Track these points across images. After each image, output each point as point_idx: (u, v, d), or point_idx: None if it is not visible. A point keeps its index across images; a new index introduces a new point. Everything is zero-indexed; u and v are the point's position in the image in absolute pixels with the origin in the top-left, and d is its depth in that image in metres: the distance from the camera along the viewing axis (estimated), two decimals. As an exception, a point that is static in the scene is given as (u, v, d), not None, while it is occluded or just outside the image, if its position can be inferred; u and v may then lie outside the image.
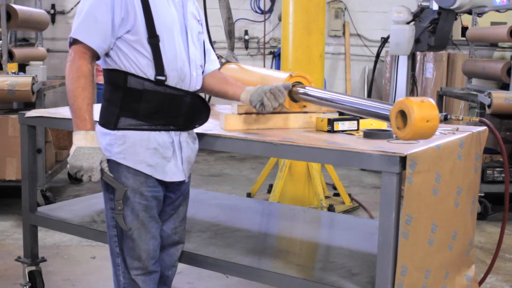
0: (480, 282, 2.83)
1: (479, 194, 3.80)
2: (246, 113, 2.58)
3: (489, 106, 4.77)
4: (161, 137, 2.31)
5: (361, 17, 8.40)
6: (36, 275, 3.22)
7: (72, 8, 7.83)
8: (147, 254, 2.37)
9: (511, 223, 4.60)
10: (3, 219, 4.69)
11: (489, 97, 4.75)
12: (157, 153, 2.30)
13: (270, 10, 8.27)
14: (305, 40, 4.95)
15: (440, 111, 2.73)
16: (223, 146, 2.54)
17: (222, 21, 3.83)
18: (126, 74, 2.26)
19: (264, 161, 6.15)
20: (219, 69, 2.69)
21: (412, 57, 6.21)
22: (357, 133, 2.53)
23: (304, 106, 2.63)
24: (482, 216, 4.84)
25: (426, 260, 2.28)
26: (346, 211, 5.10)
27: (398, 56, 6.20)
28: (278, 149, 2.35)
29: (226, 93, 2.55)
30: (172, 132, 2.34)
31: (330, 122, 2.56)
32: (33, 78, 4.77)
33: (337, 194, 5.42)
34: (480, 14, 6.14)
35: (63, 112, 2.98)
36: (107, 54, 2.27)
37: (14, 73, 5.12)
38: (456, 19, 6.08)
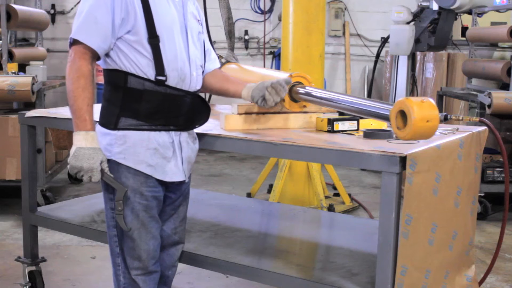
0: (480, 282, 2.83)
1: (479, 194, 3.80)
2: (246, 113, 2.58)
3: (489, 106, 4.77)
4: (161, 137, 2.31)
5: (361, 17, 8.40)
6: (36, 275, 3.22)
7: (72, 8, 7.83)
8: (147, 254, 2.37)
9: (511, 223, 4.60)
10: (3, 219, 4.69)
11: (489, 97, 4.75)
12: (157, 153, 2.30)
13: (270, 10, 8.27)
14: (305, 40, 4.95)
15: (440, 111, 2.73)
16: (223, 146, 2.54)
17: (222, 21, 3.84)
18: (126, 74, 2.26)
19: (264, 161, 6.15)
20: (219, 68, 2.69)
21: (412, 57, 6.21)
22: (357, 133, 2.53)
23: (304, 106, 2.63)
24: (482, 216, 4.84)
25: (426, 260, 2.28)
26: (346, 211, 5.10)
27: (398, 56, 6.20)
28: (278, 149, 2.35)
29: (227, 90, 2.56)
30: (172, 132, 2.34)
31: (330, 122, 2.55)
32: (33, 78, 4.77)
33: (337, 194, 5.42)
34: (480, 14, 6.14)
35: (63, 112, 2.97)
36: (107, 54, 2.27)
37: (14, 73, 5.11)
38: (456, 19, 6.08)
